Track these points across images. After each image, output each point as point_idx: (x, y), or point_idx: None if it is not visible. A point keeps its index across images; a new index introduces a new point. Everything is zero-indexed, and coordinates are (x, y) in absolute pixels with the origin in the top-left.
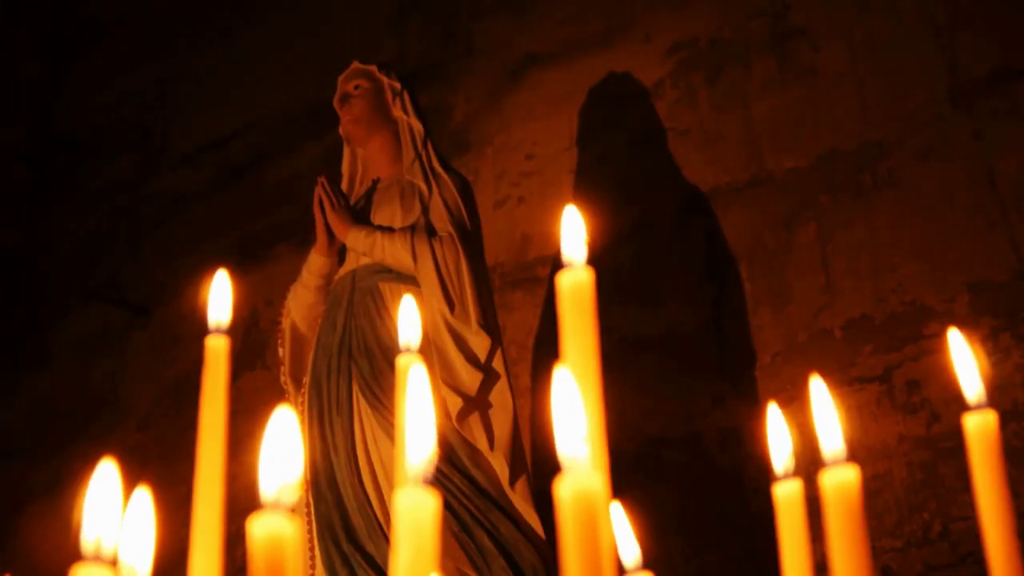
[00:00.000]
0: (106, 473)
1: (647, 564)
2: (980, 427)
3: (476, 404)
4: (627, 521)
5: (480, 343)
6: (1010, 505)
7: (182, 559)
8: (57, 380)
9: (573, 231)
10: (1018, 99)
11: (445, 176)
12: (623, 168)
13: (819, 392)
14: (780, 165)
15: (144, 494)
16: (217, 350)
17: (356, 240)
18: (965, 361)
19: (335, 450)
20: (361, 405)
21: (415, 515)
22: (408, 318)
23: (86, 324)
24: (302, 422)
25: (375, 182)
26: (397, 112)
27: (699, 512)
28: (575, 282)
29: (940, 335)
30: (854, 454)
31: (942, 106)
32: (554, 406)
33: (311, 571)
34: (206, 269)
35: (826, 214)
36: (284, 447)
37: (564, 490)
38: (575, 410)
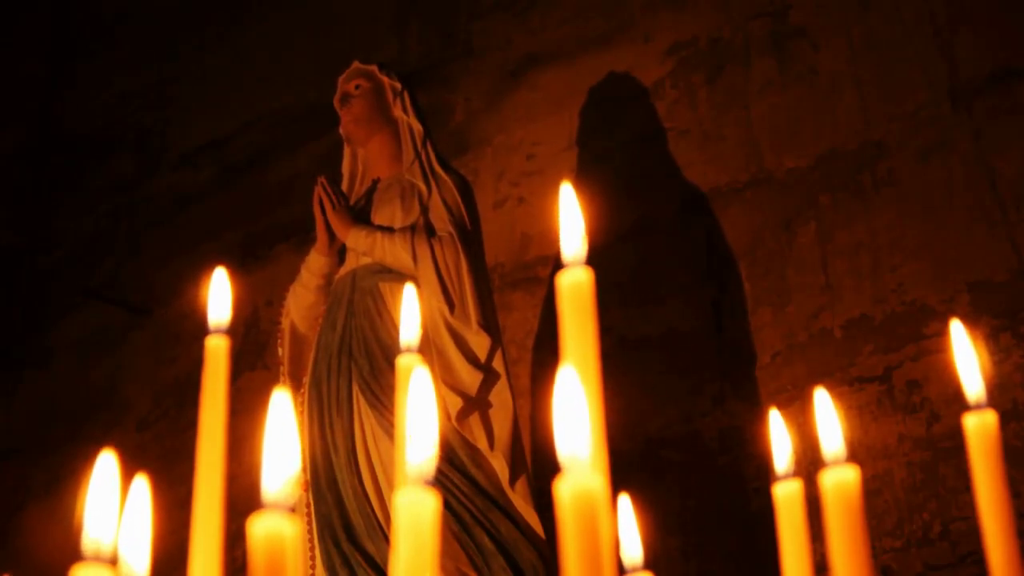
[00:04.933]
0: (106, 466)
1: (647, 564)
2: (980, 427)
3: (476, 404)
4: (633, 515)
5: (480, 343)
6: (1010, 505)
7: (182, 559)
8: (57, 380)
9: (571, 219)
10: (1018, 99)
11: (445, 176)
12: (623, 168)
13: (821, 396)
14: (780, 165)
15: (143, 488)
16: (217, 350)
17: (356, 240)
18: (966, 355)
19: (335, 450)
20: (361, 405)
21: (415, 515)
22: (409, 312)
23: (86, 324)
24: (302, 422)
25: (375, 182)
26: (397, 112)
27: (699, 512)
28: (575, 282)
29: (940, 335)
30: (854, 454)
31: (942, 106)
32: (556, 406)
33: (311, 571)
34: (206, 269)
35: (826, 214)
36: (284, 432)
37: (564, 490)
38: (578, 411)
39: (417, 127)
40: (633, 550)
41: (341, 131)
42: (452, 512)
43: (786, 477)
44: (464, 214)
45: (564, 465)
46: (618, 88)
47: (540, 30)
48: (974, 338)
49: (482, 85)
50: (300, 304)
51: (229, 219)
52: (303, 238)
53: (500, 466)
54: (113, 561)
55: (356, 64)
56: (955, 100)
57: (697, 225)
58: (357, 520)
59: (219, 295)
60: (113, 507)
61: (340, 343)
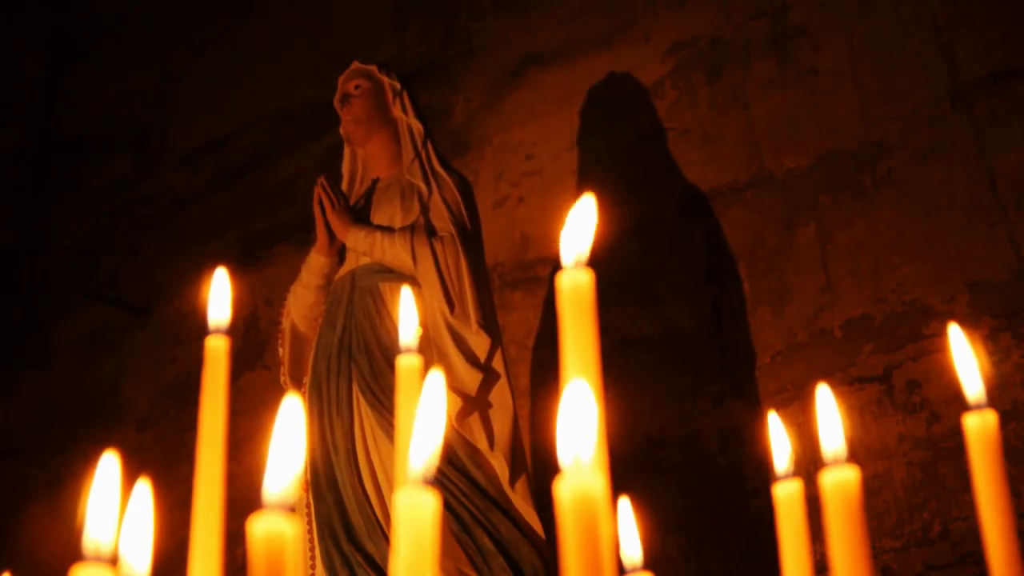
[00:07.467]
0: (108, 468)
1: (647, 564)
2: (980, 427)
3: (476, 404)
4: (633, 517)
5: (480, 343)
6: (1010, 505)
7: (182, 559)
8: (57, 380)
9: (582, 227)
10: (1018, 99)
11: (445, 176)
12: (623, 168)
13: (823, 396)
14: (780, 165)
15: (144, 490)
16: (217, 350)
17: (356, 240)
18: (965, 358)
19: (335, 450)
20: (361, 405)
21: (415, 515)
22: (407, 313)
23: (86, 324)
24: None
25: (375, 182)
26: (397, 112)
27: (699, 512)
28: (575, 282)
29: (940, 335)
30: (854, 454)
31: (942, 106)
32: (562, 415)
33: (311, 571)
34: (206, 269)
35: (826, 214)
36: (290, 438)
37: (564, 490)
38: (587, 421)
39: (417, 127)
40: (633, 550)
41: (341, 131)
42: (452, 512)
43: (786, 477)
44: (464, 214)
45: (564, 465)
46: (618, 88)
47: (540, 30)
48: (973, 339)
49: (482, 85)
50: (300, 304)
51: (229, 219)
52: (303, 238)
53: (500, 466)
54: (113, 561)
55: (356, 64)
56: (955, 100)
57: (697, 225)
58: (357, 520)
59: (219, 295)
60: (113, 507)
61: (340, 343)
